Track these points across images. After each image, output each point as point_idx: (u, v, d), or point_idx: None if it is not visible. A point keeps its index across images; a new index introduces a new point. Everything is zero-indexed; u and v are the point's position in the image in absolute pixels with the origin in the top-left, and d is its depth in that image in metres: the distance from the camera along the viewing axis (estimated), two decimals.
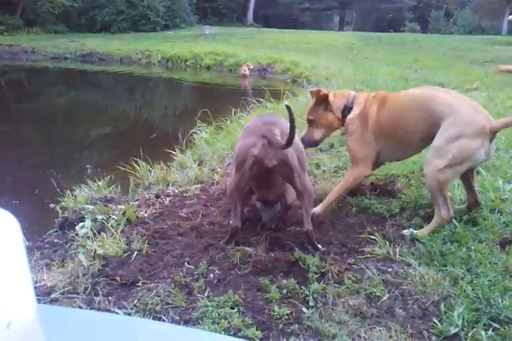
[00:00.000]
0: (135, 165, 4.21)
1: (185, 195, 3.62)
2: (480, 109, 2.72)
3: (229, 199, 2.69)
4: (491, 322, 1.97)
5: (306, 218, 2.58)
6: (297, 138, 2.51)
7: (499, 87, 8.76)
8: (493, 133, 2.67)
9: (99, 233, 2.85)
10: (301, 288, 2.26)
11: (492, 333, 1.90)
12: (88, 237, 2.85)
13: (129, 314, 2.10)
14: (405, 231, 2.81)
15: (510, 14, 26.74)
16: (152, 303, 2.17)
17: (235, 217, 2.64)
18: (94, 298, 2.26)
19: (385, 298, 2.19)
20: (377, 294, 2.21)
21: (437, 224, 2.77)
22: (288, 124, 2.26)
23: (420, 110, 2.84)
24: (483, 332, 1.89)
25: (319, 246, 2.64)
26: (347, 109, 3.15)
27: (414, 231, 2.78)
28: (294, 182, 2.54)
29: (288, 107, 2.17)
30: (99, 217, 3.18)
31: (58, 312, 0.97)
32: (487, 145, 2.65)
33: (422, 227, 2.81)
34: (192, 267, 2.49)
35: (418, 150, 3.15)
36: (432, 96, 2.83)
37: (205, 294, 2.24)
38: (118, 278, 2.40)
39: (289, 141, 2.25)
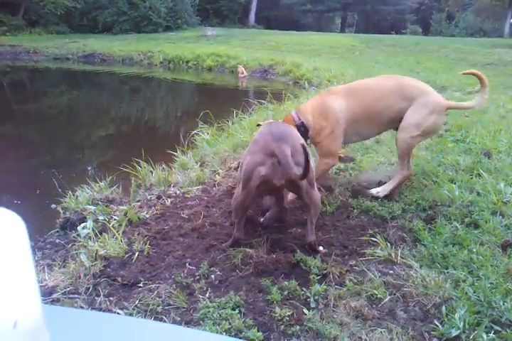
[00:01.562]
0: (137, 166, 4.21)
1: (186, 195, 3.62)
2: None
3: (234, 213, 2.69)
4: (493, 325, 1.97)
5: (310, 229, 2.59)
6: (307, 154, 2.41)
7: (501, 89, 8.78)
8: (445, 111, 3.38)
9: (100, 233, 2.86)
10: (303, 290, 2.26)
11: (494, 336, 1.90)
12: (90, 238, 2.86)
13: (131, 314, 2.10)
14: (372, 190, 3.33)
15: None
16: (153, 304, 2.17)
17: (238, 230, 2.66)
18: (96, 298, 2.26)
19: (386, 300, 2.19)
20: (379, 296, 2.21)
21: (399, 180, 3.38)
22: (298, 135, 2.44)
23: (396, 94, 3.28)
24: (484, 335, 1.89)
25: (321, 248, 2.65)
26: (301, 127, 3.30)
27: (378, 189, 3.31)
28: (301, 197, 2.56)
29: (303, 146, 2.24)
30: (101, 218, 3.19)
31: (61, 313, 0.98)
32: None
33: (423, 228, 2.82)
34: (193, 268, 2.49)
35: (383, 130, 3.59)
36: (403, 82, 3.35)
37: (207, 295, 2.24)
38: (119, 279, 2.41)
39: (305, 174, 2.26)
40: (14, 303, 0.56)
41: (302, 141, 2.58)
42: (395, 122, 3.36)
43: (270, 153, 2.33)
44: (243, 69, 14.45)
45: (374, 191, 3.40)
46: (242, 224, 2.67)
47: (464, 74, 3.60)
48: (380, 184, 3.53)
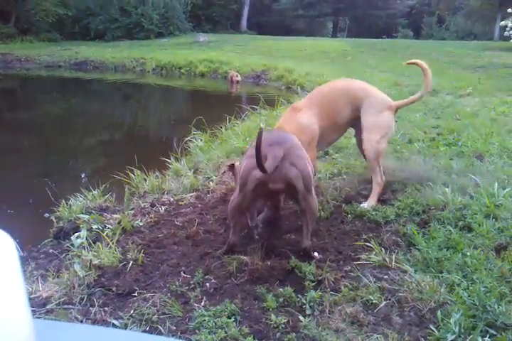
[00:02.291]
0: (130, 173, 4.20)
1: (180, 203, 3.62)
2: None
3: (229, 217, 2.68)
4: (488, 329, 1.97)
5: (305, 234, 2.59)
6: (304, 159, 2.51)
7: (492, 92, 8.83)
8: (395, 111, 3.54)
9: (94, 243, 2.84)
10: (298, 297, 2.26)
11: (489, 340, 1.91)
12: (83, 247, 2.84)
13: (126, 324, 2.09)
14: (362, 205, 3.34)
15: (501, 20, 26.95)
16: (148, 313, 2.16)
17: (234, 234, 2.65)
18: (90, 308, 2.25)
19: (381, 306, 2.19)
20: (374, 301, 2.21)
21: (378, 190, 3.42)
22: (295, 141, 2.51)
23: (346, 97, 3.45)
24: (480, 339, 1.90)
25: (315, 254, 2.65)
26: None
27: (364, 204, 3.34)
28: (298, 202, 2.56)
29: (260, 132, 2.18)
30: (95, 227, 3.17)
31: (53, 327, 0.97)
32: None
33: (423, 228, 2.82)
34: (188, 276, 2.48)
35: (344, 133, 3.79)
36: (350, 85, 3.56)
37: (202, 303, 2.24)
38: (114, 289, 2.40)
39: (260, 167, 2.26)
40: (3, 322, 0.56)
41: (300, 145, 2.60)
42: (352, 123, 3.57)
43: (265, 157, 2.33)
44: (236, 74, 14.48)
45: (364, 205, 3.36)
46: (237, 228, 2.67)
47: (407, 64, 3.97)
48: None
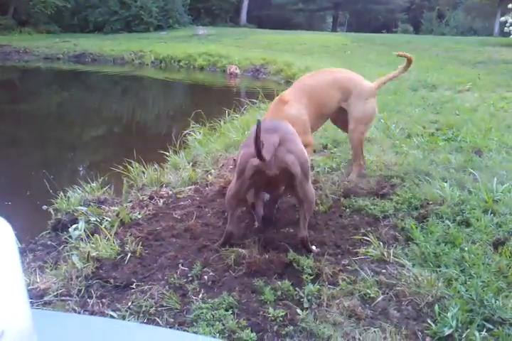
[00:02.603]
0: (128, 166, 4.19)
1: (178, 196, 3.61)
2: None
3: (227, 205, 2.67)
4: (485, 323, 1.98)
5: (302, 224, 2.58)
6: (300, 145, 2.52)
7: (491, 88, 8.82)
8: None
9: (92, 235, 2.84)
10: (296, 290, 2.26)
11: (486, 334, 1.91)
12: (81, 239, 2.83)
13: (123, 316, 2.09)
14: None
15: (501, 16, 26.89)
16: (146, 306, 2.16)
17: (231, 223, 2.64)
18: (88, 300, 2.25)
19: (379, 300, 2.20)
20: (372, 295, 2.22)
21: (357, 170, 3.77)
22: (289, 128, 2.55)
23: (334, 87, 3.55)
24: (477, 333, 1.90)
25: (313, 247, 2.65)
26: None
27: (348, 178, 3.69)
28: (295, 190, 2.53)
29: (258, 122, 2.17)
30: (93, 219, 3.17)
31: (51, 318, 0.97)
32: None
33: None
34: (186, 269, 2.48)
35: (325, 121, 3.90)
36: (337, 75, 3.67)
37: (200, 296, 2.24)
38: (112, 281, 2.39)
39: (258, 155, 2.26)
40: (1, 312, 0.55)
41: (294, 132, 2.62)
42: (336, 112, 3.69)
43: (261, 145, 2.30)
44: (235, 67, 14.47)
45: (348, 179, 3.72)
46: (235, 218, 2.66)
47: (398, 55, 3.94)
48: None
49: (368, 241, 2.70)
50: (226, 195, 2.67)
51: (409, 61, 3.80)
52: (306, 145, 3.33)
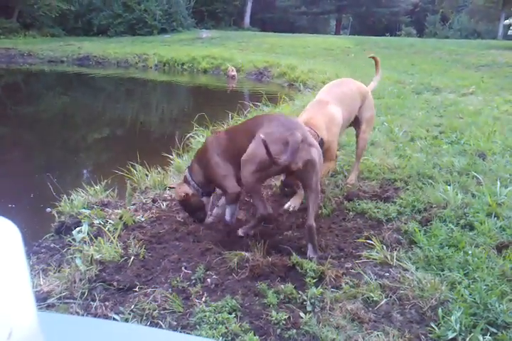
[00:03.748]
0: (132, 169, 4.20)
1: None
2: None
3: (252, 192, 2.73)
4: (489, 327, 1.98)
5: (311, 215, 2.63)
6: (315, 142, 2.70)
7: (495, 91, 8.82)
8: None
9: (95, 238, 2.84)
10: (299, 293, 2.25)
11: (490, 338, 1.91)
12: (85, 242, 2.84)
13: (127, 319, 2.09)
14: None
15: (505, 19, 26.89)
16: (149, 308, 2.16)
17: (264, 207, 2.68)
18: (91, 303, 2.25)
19: (382, 303, 2.19)
20: (375, 299, 2.21)
21: (358, 171, 3.90)
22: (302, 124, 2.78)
23: (360, 95, 3.76)
24: (480, 337, 1.90)
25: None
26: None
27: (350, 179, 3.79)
28: (310, 181, 2.64)
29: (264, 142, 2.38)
30: (96, 222, 3.17)
31: (57, 320, 0.97)
32: None
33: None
34: (189, 272, 2.48)
35: None
36: (357, 84, 3.89)
37: (203, 299, 2.24)
38: (115, 283, 2.40)
39: (292, 156, 2.47)
40: (9, 312, 0.56)
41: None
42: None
43: (287, 142, 2.50)
44: (232, 68, 14.57)
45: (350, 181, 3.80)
46: (264, 199, 2.74)
47: (370, 57, 4.36)
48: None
49: (371, 244, 2.69)
50: (245, 185, 2.72)
51: (376, 62, 4.20)
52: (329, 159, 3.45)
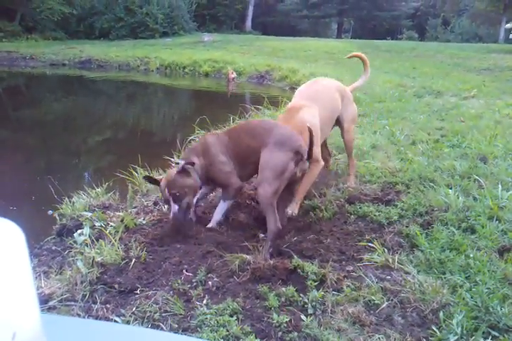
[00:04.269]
0: (133, 172, 4.21)
1: None
2: None
3: (269, 205, 2.77)
4: (490, 330, 1.97)
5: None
6: None
7: (496, 94, 8.82)
8: None
9: (97, 240, 2.85)
10: (300, 296, 2.25)
11: None
12: (86, 244, 2.84)
13: (128, 322, 2.09)
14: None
15: (507, 23, 26.94)
16: (150, 311, 2.16)
17: (275, 221, 2.76)
18: (92, 305, 2.25)
19: (383, 306, 2.19)
20: (376, 302, 2.21)
21: (355, 168, 3.96)
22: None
23: (339, 95, 3.74)
24: (482, 340, 1.89)
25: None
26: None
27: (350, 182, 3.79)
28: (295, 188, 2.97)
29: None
30: (98, 224, 3.17)
31: (58, 321, 0.97)
32: None
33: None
34: (190, 274, 2.48)
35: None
36: (336, 83, 3.91)
37: (204, 302, 2.23)
38: (116, 286, 2.40)
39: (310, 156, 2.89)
40: (13, 314, 0.56)
41: None
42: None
43: (296, 151, 2.82)
44: (232, 71, 14.67)
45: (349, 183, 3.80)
46: (276, 214, 2.79)
47: (348, 57, 4.51)
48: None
49: (373, 247, 2.69)
50: (263, 197, 2.78)
51: (364, 61, 4.19)
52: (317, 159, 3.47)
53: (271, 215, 2.76)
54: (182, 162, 2.98)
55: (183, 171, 2.94)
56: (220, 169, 3.05)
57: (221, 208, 3.12)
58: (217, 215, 3.11)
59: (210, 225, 3.10)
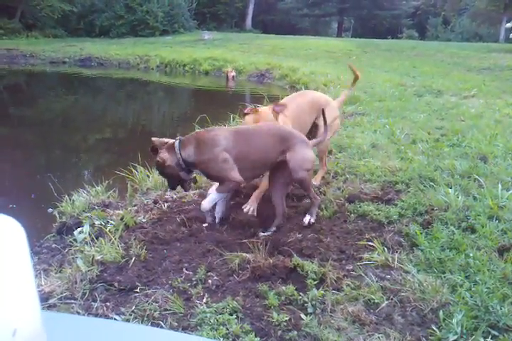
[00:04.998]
0: (133, 170, 4.20)
1: (183, 200, 3.62)
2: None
3: (309, 183, 3.17)
4: (490, 330, 1.97)
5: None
6: None
7: (496, 94, 8.81)
8: None
9: (97, 238, 2.85)
10: (300, 295, 2.25)
11: (491, 340, 1.90)
12: (86, 242, 2.85)
13: (127, 320, 2.09)
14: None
15: (507, 22, 26.90)
16: (150, 309, 2.16)
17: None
18: (92, 303, 2.25)
19: (383, 305, 2.19)
20: (376, 301, 2.21)
21: (323, 174, 3.98)
22: None
23: (313, 104, 3.86)
24: (482, 340, 1.90)
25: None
26: None
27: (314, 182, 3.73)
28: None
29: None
30: (97, 222, 3.18)
31: (58, 319, 0.97)
32: None
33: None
34: (190, 273, 2.48)
35: None
36: (315, 95, 4.07)
37: (204, 300, 2.24)
38: (116, 284, 2.40)
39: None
40: (14, 311, 0.56)
41: None
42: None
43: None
44: (231, 70, 14.70)
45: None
46: None
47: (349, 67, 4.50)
48: None
49: (373, 246, 2.69)
50: (309, 178, 3.09)
51: (356, 77, 4.26)
52: None
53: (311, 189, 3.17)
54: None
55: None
56: (219, 166, 2.94)
57: (211, 197, 3.04)
58: (207, 202, 3.02)
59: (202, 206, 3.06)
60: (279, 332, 2.01)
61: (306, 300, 2.22)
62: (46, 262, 2.82)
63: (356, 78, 4.27)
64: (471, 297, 2.16)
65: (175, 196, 3.72)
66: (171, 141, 3.09)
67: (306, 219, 3.09)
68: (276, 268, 2.47)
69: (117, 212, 3.41)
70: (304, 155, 3.01)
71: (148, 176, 4.21)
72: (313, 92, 4.34)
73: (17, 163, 5.86)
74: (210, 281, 2.40)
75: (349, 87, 4.46)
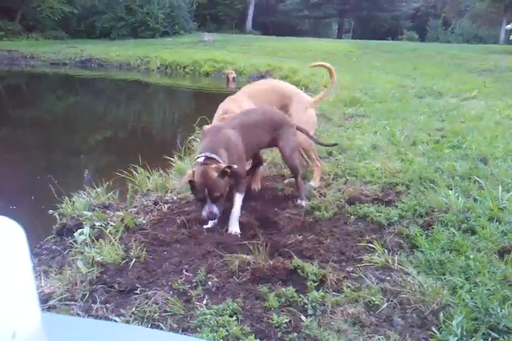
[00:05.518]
0: (134, 171, 4.20)
1: (183, 202, 3.61)
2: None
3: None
4: (490, 332, 1.97)
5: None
6: None
7: (497, 95, 8.82)
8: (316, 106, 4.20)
9: (97, 240, 2.85)
10: (300, 297, 2.25)
11: None
12: (86, 244, 2.84)
13: (127, 321, 2.09)
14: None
15: (507, 23, 26.91)
16: (150, 311, 2.15)
17: None
18: (92, 305, 2.25)
19: (383, 307, 2.19)
20: (376, 303, 2.21)
21: (319, 172, 3.90)
22: None
23: (278, 94, 3.90)
24: None
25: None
26: None
27: (311, 184, 3.80)
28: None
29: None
30: (98, 224, 3.17)
31: (58, 320, 0.97)
32: None
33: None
34: (190, 274, 2.48)
35: None
36: (277, 82, 4.20)
37: (204, 302, 2.23)
38: (116, 286, 2.39)
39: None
40: (13, 313, 0.56)
41: None
42: None
43: None
44: (231, 72, 14.73)
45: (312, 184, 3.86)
46: None
47: (312, 66, 4.66)
48: None
49: (373, 248, 2.69)
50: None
51: (330, 71, 4.23)
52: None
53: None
54: (222, 165, 2.87)
55: (224, 173, 2.86)
56: (240, 161, 3.09)
57: (239, 203, 3.10)
58: (237, 213, 3.08)
59: (233, 229, 3.03)
60: (279, 334, 2.01)
61: (306, 301, 2.22)
62: (46, 263, 2.81)
63: (331, 73, 4.21)
64: (472, 299, 2.16)
65: (175, 197, 3.72)
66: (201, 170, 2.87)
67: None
68: (277, 269, 2.46)
69: (117, 213, 3.40)
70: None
71: (149, 177, 4.21)
72: (276, 80, 4.41)
73: (17, 164, 5.86)
74: (210, 283, 2.40)
75: (329, 85, 4.40)
